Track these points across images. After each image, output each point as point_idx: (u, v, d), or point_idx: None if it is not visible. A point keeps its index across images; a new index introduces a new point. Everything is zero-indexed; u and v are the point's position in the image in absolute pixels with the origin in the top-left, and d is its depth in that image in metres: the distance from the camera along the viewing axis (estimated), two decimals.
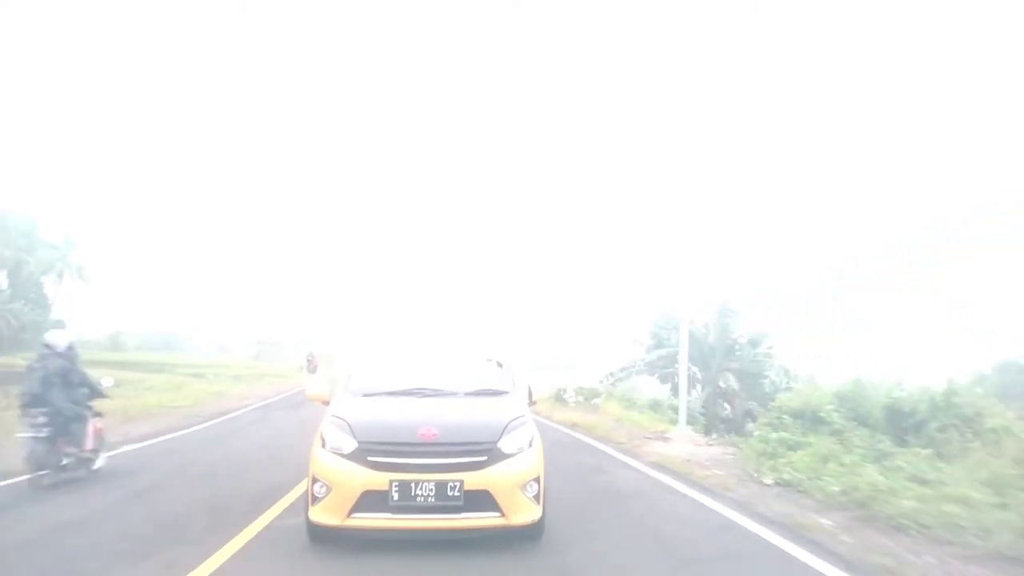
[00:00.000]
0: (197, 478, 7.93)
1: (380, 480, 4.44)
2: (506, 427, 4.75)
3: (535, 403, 5.83)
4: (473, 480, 4.47)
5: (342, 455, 4.59)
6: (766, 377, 25.59)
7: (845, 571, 4.41)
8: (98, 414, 8.08)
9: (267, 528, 5.29)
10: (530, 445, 4.81)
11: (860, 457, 7.67)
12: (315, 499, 4.56)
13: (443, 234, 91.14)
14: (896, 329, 63.71)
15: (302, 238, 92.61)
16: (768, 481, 7.40)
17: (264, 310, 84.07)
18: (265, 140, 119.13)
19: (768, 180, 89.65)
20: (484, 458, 4.56)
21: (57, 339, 7.68)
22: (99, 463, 7.92)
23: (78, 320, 57.75)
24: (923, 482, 6.43)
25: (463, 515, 4.48)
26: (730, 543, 5.25)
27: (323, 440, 4.74)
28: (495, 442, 4.65)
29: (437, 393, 5.36)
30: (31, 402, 7.23)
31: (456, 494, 4.44)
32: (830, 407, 9.55)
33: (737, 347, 26.25)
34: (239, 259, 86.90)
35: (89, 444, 7.74)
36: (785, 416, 9.75)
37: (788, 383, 24.53)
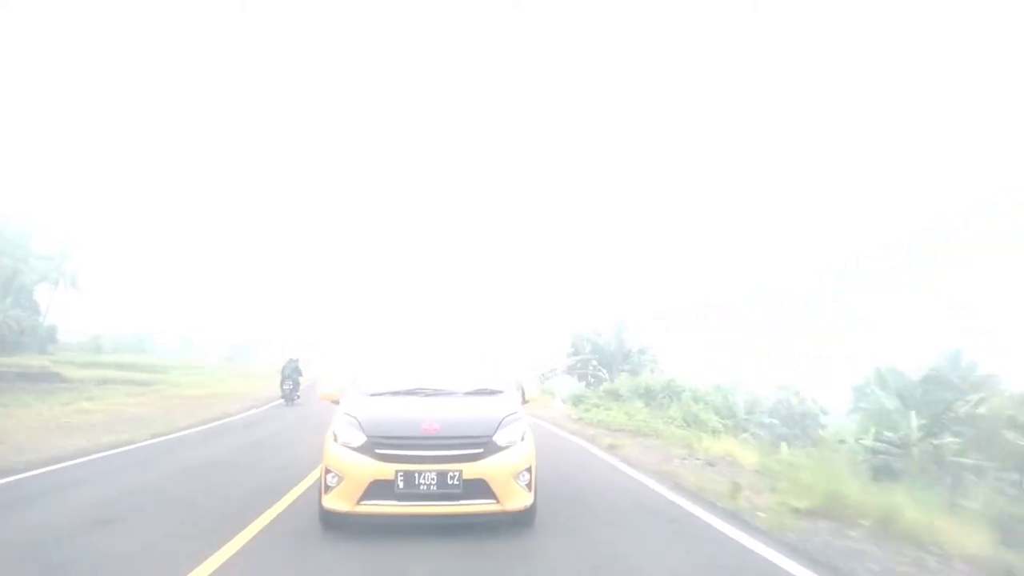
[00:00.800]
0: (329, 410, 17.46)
1: (387, 470, 4.90)
2: (500, 423, 5.20)
3: (528, 401, 6.17)
4: (471, 470, 4.92)
5: (352, 448, 5.06)
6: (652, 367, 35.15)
7: (569, 434, 13.41)
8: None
9: None
10: (522, 439, 5.25)
11: (623, 410, 16.83)
12: (328, 488, 5.04)
13: (427, 238, 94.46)
14: (896, 329, 63.91)
15: (282, 243, 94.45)
16: (575, 418, 16.47)
17: (238, 313, 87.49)
18: (255, 142, 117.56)
19: (768, 180, 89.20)
20: (481, 450, 5.01)
21: (293, 356, 21.92)
22: (298, 400, 20.73)
23: (64, 325, 63.29)
24: (630, 415, 15.59)
25: (462, 502, 4.93)
26: (541, 433, 14.30)
27: (335, 435, 5.21)
28: (490, 436, 5.10)
29: (438, 392, 5.80)
30: (287, 376, 20.78)
31: (455, 483, 4.89)
32: (625, 389, 18.77)
33: (631, 354, 35.65)
34: (216, 262, 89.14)
35: (299, 392, 20.87)
36: (603, 393, 18.95)
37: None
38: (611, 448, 10.61)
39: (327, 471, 5.07)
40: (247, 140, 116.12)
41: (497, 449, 5.07)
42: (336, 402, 5.87)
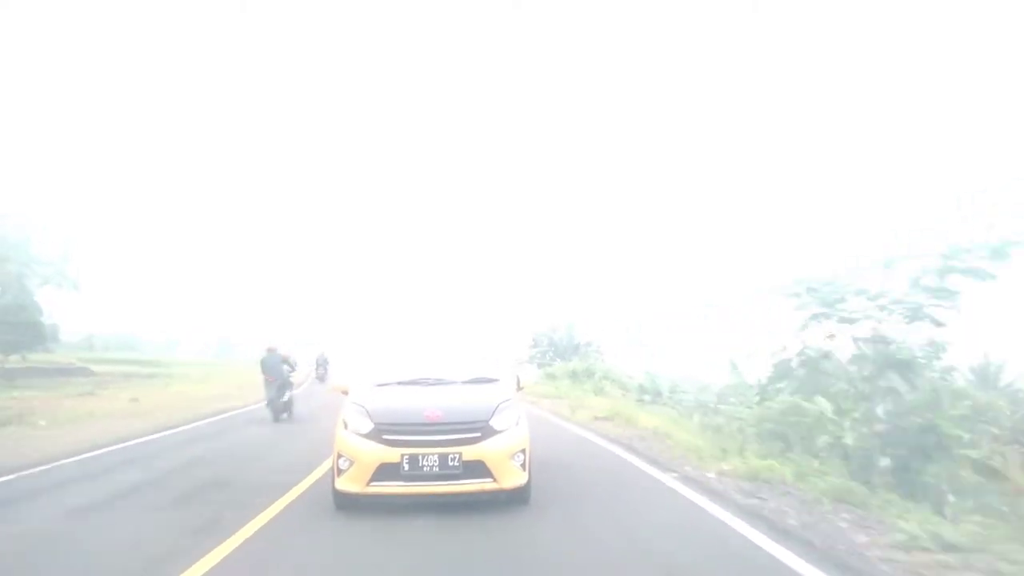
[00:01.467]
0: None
1: (393, 454, 5.40)
2: (496, 408, 5.69)
3: (522, 388, 6.87)
4: (470, 452, 5.40)
5: (361, 435, 5.56)
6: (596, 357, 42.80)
7: (532, 406, 20.77)
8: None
9: None
10: (517, 423, 5.77)
11: (554, 385, 24.26)
12: (340, 471, 5.55)
13: (421, 236, 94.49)
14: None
15: (276, 242, 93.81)
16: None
17: (227, 311, 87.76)
18: (252, 141, 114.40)
19: (768, 182, 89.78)
20: (478, 434, 5.49)
21: (323, 351, 28.65)
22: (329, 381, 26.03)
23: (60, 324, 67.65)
24: (557, 388, 23.08)
25: (462, 481, 5.40)
26: None
27: (345, 423, 5.73)
28: (487, 421, 5.58)
29: (439, 382, 6.34)
30: (320, 364, 28.14)
31: (456, 464, 5.37)
32: (560, 372, 26.24)
33: (579, 346, 43.19)
34: (208, 260, 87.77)
35: (328, 376, 27.05)
36: (545, 376, 26.40)
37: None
38: (532, 403, 18.03)
39: (339, 456, 5.58)
40: (244, 139, 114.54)
41: (493, 433, 5.53)
42: (345, 393, 6.37)
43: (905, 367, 10.22)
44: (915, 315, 9.88)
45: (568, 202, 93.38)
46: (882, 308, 10.05)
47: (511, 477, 5.53)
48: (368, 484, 5.44)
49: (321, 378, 29.18)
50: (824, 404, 9.37)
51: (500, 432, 5.60)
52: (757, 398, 20.43)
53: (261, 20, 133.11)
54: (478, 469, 5.43)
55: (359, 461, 5.47)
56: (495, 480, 5.46)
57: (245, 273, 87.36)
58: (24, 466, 8.38)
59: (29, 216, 68.49)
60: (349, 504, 5.65)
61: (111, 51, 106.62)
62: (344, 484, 5.53)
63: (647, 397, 28.99)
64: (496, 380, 6.49)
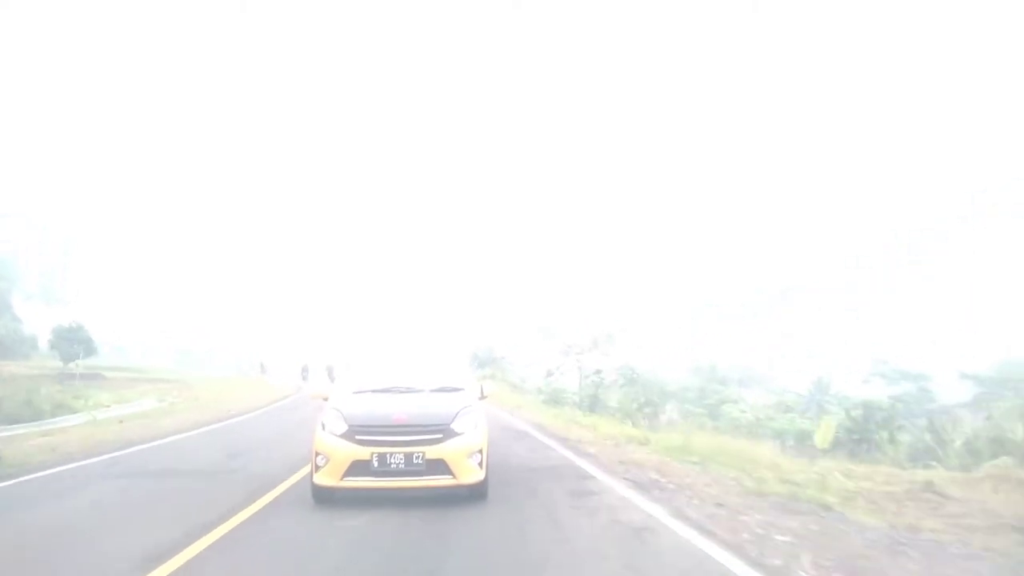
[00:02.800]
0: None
1: (364, 452, 6.16)
2: (457, 414, 6.47)
3: (486, 397, 7.55)
4: (432, 452, 6.17)
5: (337, 435, 6.33)
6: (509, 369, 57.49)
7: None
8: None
9: None
10: (475, 427, 6.55)
11: None
12: (317, 467, 6.33)
13: (406, 242, 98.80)
14: (895, 329, 67.59)
15: (249, 255, 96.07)
16: None
17: (184, 320, 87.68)
18: (243, 142, 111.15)
19: (768, 181, 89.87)
20: (440, 435, 6.28)
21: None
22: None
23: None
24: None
25: (425, 477, 6.19)
26: None
27: (323, 425, 6.53)
28: (448, 424, 6.38)
29: (409, 390, 7.14)
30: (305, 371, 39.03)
31: (420, 462, 6.14)
32: (479, 377, 40.81)
33: (496, 359, 57.65)
34: (181, 267, 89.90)
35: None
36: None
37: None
38: None
39: (316, 454, 6.39)
40: (234, 140, 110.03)
41: (454, 435, 6.33)
42: (325, 399, 7.22)
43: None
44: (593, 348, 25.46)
45: (563, 208, 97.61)
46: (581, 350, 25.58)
47: (469, 474, 6.40)
48: (342, 479, 6.29)
49: (305, 379, 37.20)
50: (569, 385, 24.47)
51: (460, 434, 6.44)
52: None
53: (260, 22, 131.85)
54: (439, 467, 6.27)
55: (334, 458, 6.32)
56: (454, 477, 6.30)
57: (212, 287, 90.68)
58: (259, 406, 21.90)
59: (30, 217, 72.38)
60: (325, 497, 6.52)
61: (109, 52, 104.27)
62: (320, 479, 6.39)
63: (543, 396, 43.14)
64: (461, 389, 7.37)
